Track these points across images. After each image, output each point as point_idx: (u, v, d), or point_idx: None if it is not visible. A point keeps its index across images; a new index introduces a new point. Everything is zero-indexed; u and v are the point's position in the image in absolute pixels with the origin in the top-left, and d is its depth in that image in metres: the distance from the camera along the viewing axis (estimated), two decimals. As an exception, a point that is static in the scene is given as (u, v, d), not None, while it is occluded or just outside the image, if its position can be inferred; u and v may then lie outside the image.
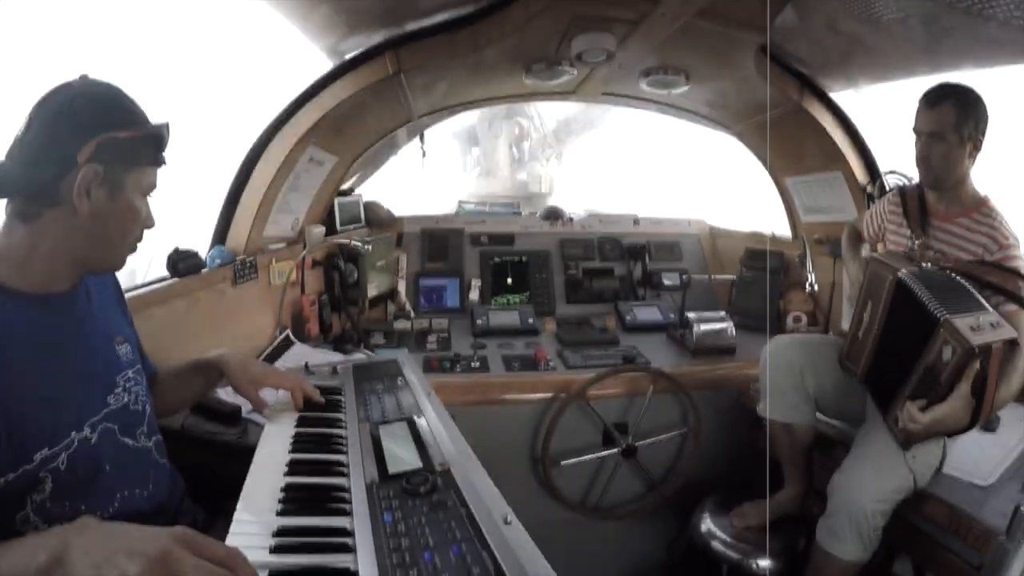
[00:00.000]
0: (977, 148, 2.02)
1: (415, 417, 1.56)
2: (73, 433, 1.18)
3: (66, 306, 1.27)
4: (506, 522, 1.06)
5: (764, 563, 2.32)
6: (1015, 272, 1.92)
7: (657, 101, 3.56)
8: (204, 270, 2.47)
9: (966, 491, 1.87)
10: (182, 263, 2.34)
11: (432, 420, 1.53)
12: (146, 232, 1.35)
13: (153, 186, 1.31)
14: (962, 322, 1.68)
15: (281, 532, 1.07)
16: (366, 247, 3.13)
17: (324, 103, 2.64)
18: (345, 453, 1.40)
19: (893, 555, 2.17)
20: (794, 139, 3.25)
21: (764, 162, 3.68)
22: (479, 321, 3.45)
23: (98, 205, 1.19)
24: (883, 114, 2.86)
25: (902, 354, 1.87)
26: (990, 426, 2.16)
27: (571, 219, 4.22)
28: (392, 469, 1.28)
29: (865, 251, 2.56)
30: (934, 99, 2.03)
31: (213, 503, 1.54)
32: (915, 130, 2.08)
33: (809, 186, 3.43)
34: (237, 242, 2.74)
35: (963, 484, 1.90)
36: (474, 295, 3.79)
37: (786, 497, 2.41)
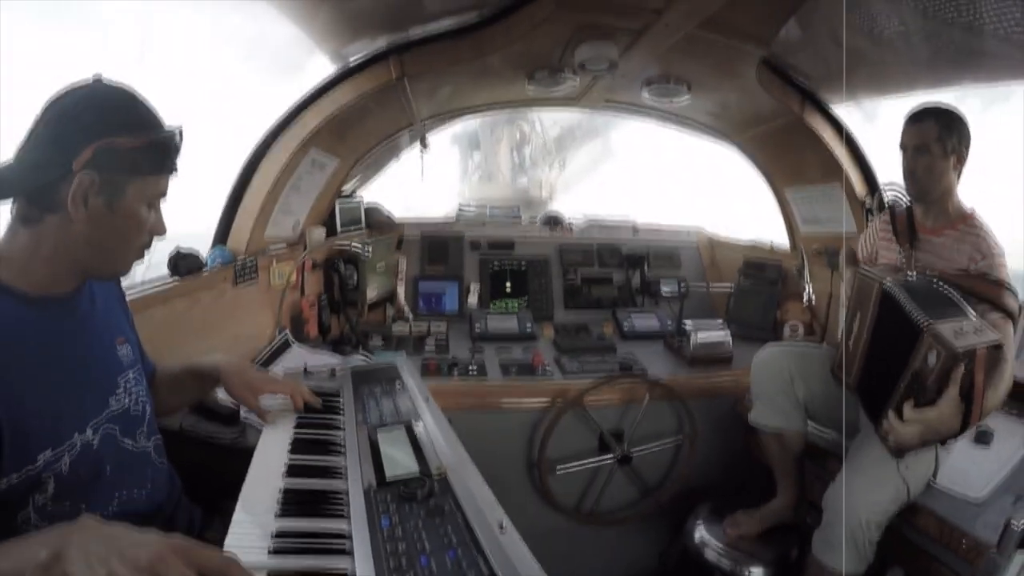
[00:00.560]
0: (961, 162, 2.06)
1: (413, 422, 1.57)
2: (76, 435, 1.18)
3: (69, 308, 1.27)
4: (501, 528, 1.06)
5: (757, 571, 2.32)
6: (999, 282, 1.94)
7: (659, 110, 3.58)
8: (205, 270, 2.48)
9: (959, 505, 1.87)
10: (183, 263, 2.35)
11: (430, 425, 1.54)
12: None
13: (161, 194, 1.28)
14: (945, 327, 1.70)
15: (280, 534, 1.08)
16: (366, 250, 3.14)
17: (327, 107, 2.65)
18: (343, 456, 1.41)
19: (886, 567, 2.18)
20: (794, 151, 3.27)
21: (764, 173, 3.70)
22: (477, 326, 3.46)
23: (96, 213, 1.16)
24: (883, 128, 2.88)
25: (890, 362, 1.88)
26: (983, 440, 2.17)
27: (571, 226, 4.24)
28: (390, 474, 1.28)
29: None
30: (918, 116, 2.08)
31: (211, 502, 1.55)
32: (901, 145, 2.13)
33: (808, 198, 3.45)
34: (238, 243, 2.75)
35: (956, 498, 1.91)
36: (473, 300, 3.80)
37: (779, 506, 2.42)
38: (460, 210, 4.61)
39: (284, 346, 2.79)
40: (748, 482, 2.71)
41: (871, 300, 2.01)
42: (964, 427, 1.71)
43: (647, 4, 2.16)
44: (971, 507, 1.86)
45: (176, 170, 1.28)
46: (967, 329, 1.71)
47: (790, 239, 3.78)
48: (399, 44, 2.51)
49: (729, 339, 3.16)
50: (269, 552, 1.03)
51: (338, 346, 3.07)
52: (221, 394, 1.68)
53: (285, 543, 1.06)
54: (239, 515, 1.13)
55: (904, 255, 2.20)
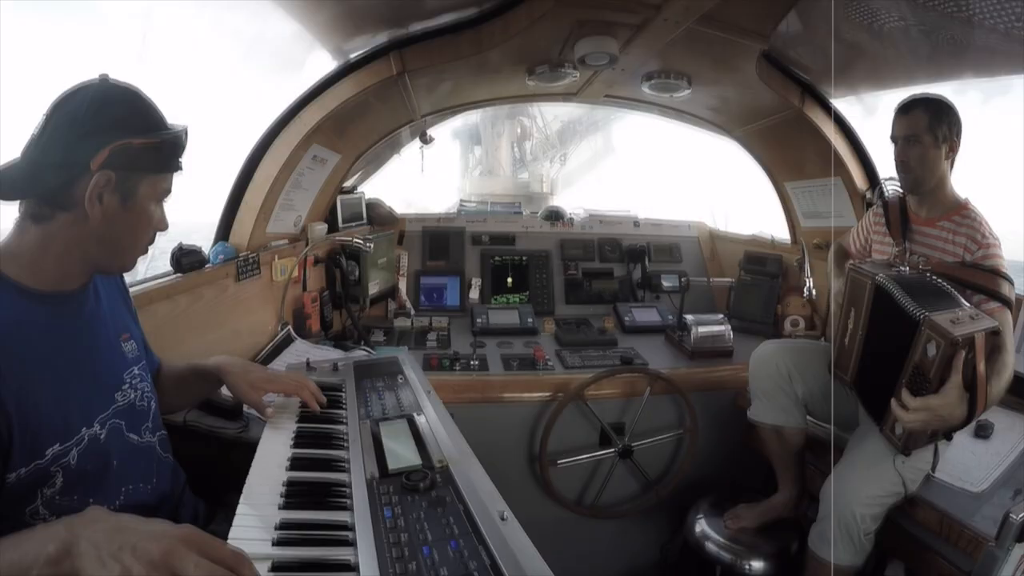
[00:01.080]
0: (953, 150, 2.07)
1: (415, 415, 1.58)
2: (83, 429, 1.19)
3: (76, 304, 1.28)
4: (503, 519, 1.08)
5: (757, 565, 2.34)
6: (995, 271, 1.95)
7: (659, 104, 3.58)
8: (207, 266, 2.48)
9: (958, 497, 1.88)
10: (185, 259, 2.36)
11: (432, 418, 1.56)
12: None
13: (168, 191, 1.31)
14: (942, 317, 1.71)
15: (283, 526, 1.09)
16: (368, 245, 3.15)
17: (328, 102, 2.66)
18: (346, 449, 1.42)
19: (885, 560, 2.19)
20: (795, 145, 3.27)
21: (764, 167, 3.70)
22: (479, 320, 3.47)
23: (110, 211, 1.19)
24: (883, 121, 2.89)
25: (888, 357, 1.89)
26: (983, 433, 2.18)
27: (572, 220, 4.25)
28: (392, 466, 1.30)
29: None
30: (907, 106, 2.09)
31: (215, 496, 1.56)
32: (892, 137, 2.13)
33: (809, 192, 3.45)
34: (240, 238, 2.76)
35: (955, 490, 1.91)
36: (474, 294, 3.82)
37: (779, 500, 2.44)
38: (461, 205, 4.62)
39: (286, 341, 2.80)
40: (749, 475, 2.72)
41: (865, 296, 2.02)
42: (971, 416, 1.72)
43: (646, -2, 2.16)
44: (971, 500, 1.86)
45: (182, 168, 1.31)
46: (963, 318, 1.72)
47: (791, 233, 3.78)
48: (400, 39, 2.52)
49: (730, 333, 3.16)
50: (273, 543, 1.04)
51: (340, 341, 3.08)
52: (225, 389, 1.68)
53: (289, 534, 1.07)
54: (243, 507, 1.14)
55: (897, 247, 2.21)
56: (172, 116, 1.29)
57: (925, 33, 2.15)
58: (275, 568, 0.98)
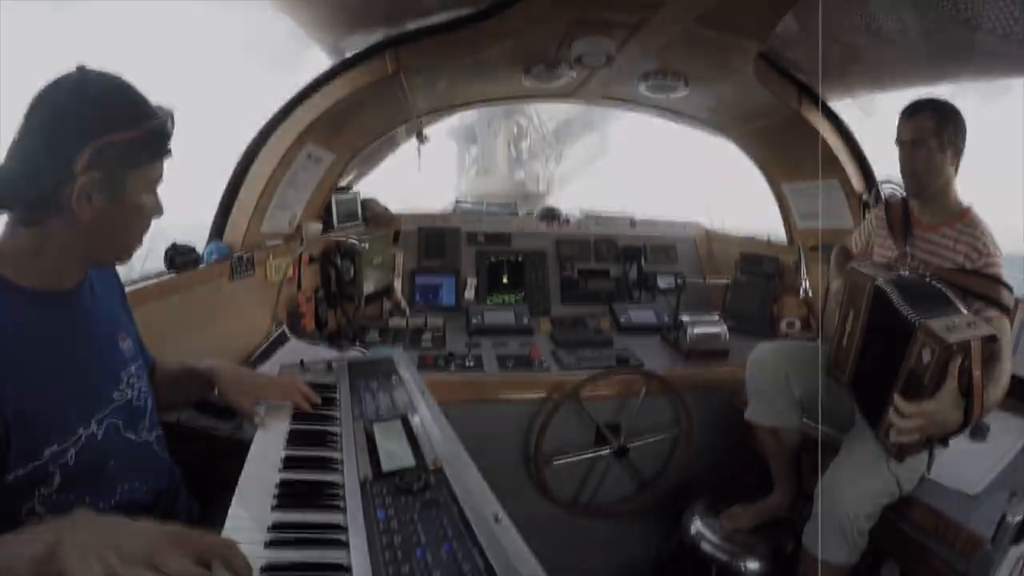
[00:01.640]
0: (958, 155, 2.05)
1: (409, 415, 1.58)
2: (81, 429, 1.19)
3: (73, 302, 1.27)
4: (497, 521, 1.07)
5: (752, 565, 2.34)
6: (995, 278, 1.94)
7: (656, 105, 3.58)
8: (201, 265, 2.47)
9: (954, 499, 1.88)
10: (179, 258, 2.35)
11: (426, 418, 1.55)
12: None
13: (159, 179, 1.28)
14: (937, 323, 1.70)
15: (276, 527, 1.08)
16: (363, 244, 3.14)
17: (323, 100, 2.65)
18: (339, 450, 1.42)
19: (881, 560, 2.19)
20: (792, 146, 3.27)
21: (761, 168, 3.70)
22: (474, 319, 3.47)
23: (100, 210, 1.15)
24: (880, 123, 2.89)
25: (884, 360, 1.89)
26: (980, 435, 2.18)
27: (567, 220, 4.24)
28: (386, 466, 1.29)
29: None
30: (913, 110, 2.08)
31: (209, 496, 1.55)
32: (897, 141, 2.12)
33: (806, 193, 3.46)
34: (234, 237, 2.75)
35: (951, 492, 1.91)
36: (470, 293, 3.81)
37: (776, 501, 2.44)
38: (457, 204, 4.61)
39: (281, 340, 2.79)
40: (744, 475, 2.72)
41: (864, 298, 2.01)
42: (967, 422, 1.71)
43: (643, -2, 2.16)
44: (967, 501, 1.87)
45: (171, 153, 1.27)
46: (959, 324, 1.71)
47: (787, 233, 3.78)
48: (395, 38, 2.51)
49: (726, 333, 3.16)
50: (265, 545, 1.03)
51: (335, 340, 3.07)
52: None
53: (281, 535, 1.06)
54: (235, 508, 1.13)
55: (898, 251, 2.20)
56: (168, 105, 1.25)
57: (923, 35, 2.15)
58: (267, 569, 0.97)
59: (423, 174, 3.96)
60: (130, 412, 1.35)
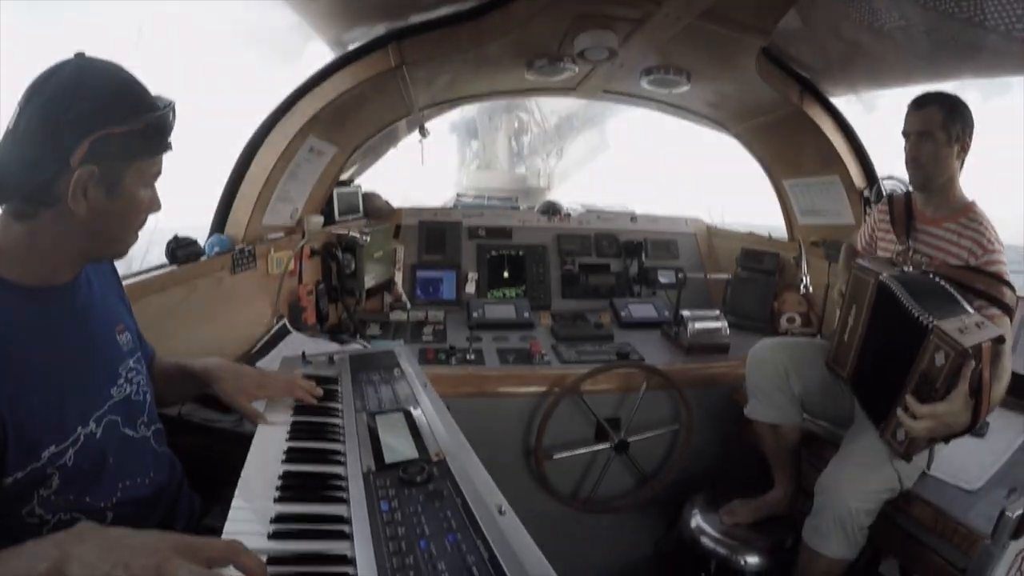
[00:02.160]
0: (964, 150, 2.06)
1: (411, 408, 1.57)
2: (79, 428, 1.17)
3: (69, 298, 1.24)
4: (500, 512, 1.07)
5: (752, 559, 2.34)
6: (997, 277, 1.95)
7: (658, 100, 3.58)
8: (203, 258, 2.47)
9: (953, 494, 1.89)
10: (181, 251, 2.35)
11: (428, 411, 1.55)
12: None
13: (158, 173, 1.25)
14: (950, 326, 1.69)
15: (279, 519, 1.08)
16: (364, 238, 3.14)
17: (326, 93, 2.64)
18: (342, 442, 1.42)
19: (880, 556, 2.20)
20: (793, 142, 3.27)
21: (763, 163, 3.71)
22: (475, 314, 3.47)
23: (96, 204, 1.13)
24: (882, 119, 2.88)
25: (888, 357, 1.89)
26: (979, 431, 2.18)
27: (568, 214, 4.24)
28: (388, 459, 1.29)
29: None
30: (922, 101, 2.08)
31: (210, 488, 1.55)
32: (904, 132, 2.12)
33: (807, 189, 3.46)
34: (236, 230, 2.75)
35: (951, 488, 1.92)
36: (470, 288, 3.82)
37: (775, 497, 2.44)
38: (458, 198, 4.62)
39: (282, 333, 2.80)
40: (744, 470, 2.73)
41: (867, 294, 2.01)
42: (975, 422, 1.71)
43: (647, -7, 2.16)
44: (966, 497, 1.87)
45: (171, 148, 1.24)
46: (970, 325, 1.71)
47: (788, 229, 3.79)
48: (398, 31, 2.50)
49: (726, 328, 3.17)
50: (269, 536, 1.04)
51: (336, 334, 3.07)
52: None
53: (285, 527, 1.06)
54: (238, 500, 1.13)
55: (901, 246, 2.20)
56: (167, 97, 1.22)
57: (925, 32, 2.15)
58: (272, 561, 0.97)
59: (424, 168, 3.97)
60: (128, 408, 1.32)
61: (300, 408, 1.59)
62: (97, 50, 1.18)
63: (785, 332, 3.39)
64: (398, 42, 2.50)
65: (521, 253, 4.00)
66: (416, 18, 2.46)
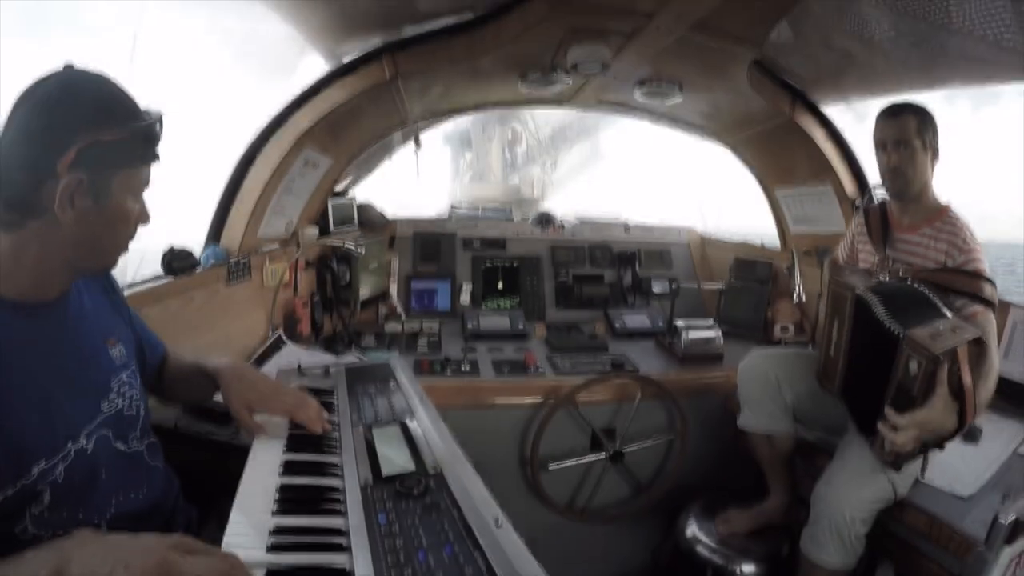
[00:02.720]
0: (936, 156, 2.10)
1: (407, 420, 1.57)
2: (69, 444, 1.15)
3: (57, 312, 1.22)
4: (498, 524, 1.08)
5: (748, 568, 2.35)
6: (977, 274, 1.97)
7: (651, 111, 3.60)
8: (198, 269, 2.47)
9: (948, 501, 1.90)
10: (176, 262, 2.35)
11: (424, 423, 1.55)
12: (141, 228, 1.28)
13: (146, 184, 1.23)
14: (921, 333, 1.71)
15: (277, 531, 1.09)
16: (359, 249, 3.15)
17: (321, 105, 2.65)
18: (339, 454, 1.42)
19: (876, 562, 2.20)
20: (785, 151, 3.29)
21: (755, 173, 3.73)
22: (470, 324, 3.47)
23: (83, 213, 1.11)
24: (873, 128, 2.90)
25: (873, 369, 1.90)
26: (972, 438, 2.20)
27: (562, 225, 4.25)
28: (386, 471, 1.29)
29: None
30: (895, 111, 2.12)
31: (207, 501, 1.53)
32: (878, 142, 2.15)
33: (799, 198, 3.48)
34: (231, 241, 2.76)
35: (945, 495, 1.93)
36: (465, 298, 3.82)
37: (771, 506, 2.45)
38: (452, 209, 4.62)
39: (277, 345, 2.80)
40: (739, 478, 2.73)
41: (846, 308, 2.03)
42: (962, 425, 1.72)
43: (639, 7, 2.17)
44: (960, 503, 1.88)
45: (159, 158, 1.23)
46: (944, 329, 1.73)
47: (781, 238, 3.81)
48: (393, 43, 2.51)
49: (720, 337, 3.18)
50: (267, 549, 1.04)
51: (331, 345, 3.08)
52: (218, 395, 1.65)
53: (283, 540, 1.07)
54: (236, 513, 1.13)
55: (878, 255, 2.23)
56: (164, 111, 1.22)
57: (915, 42, 2.17)
58: (271, 574, 0.98)
59: (418, 179, 3.97)
60: (120, 422, 1.31)
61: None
62: (88, 57, 1.18)
63: (779, 341, 3.40)
64: (393, 54, 2.51)
65: (515, 264, 4.00)
66: (410, 30, 2.48)
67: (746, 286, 3.73)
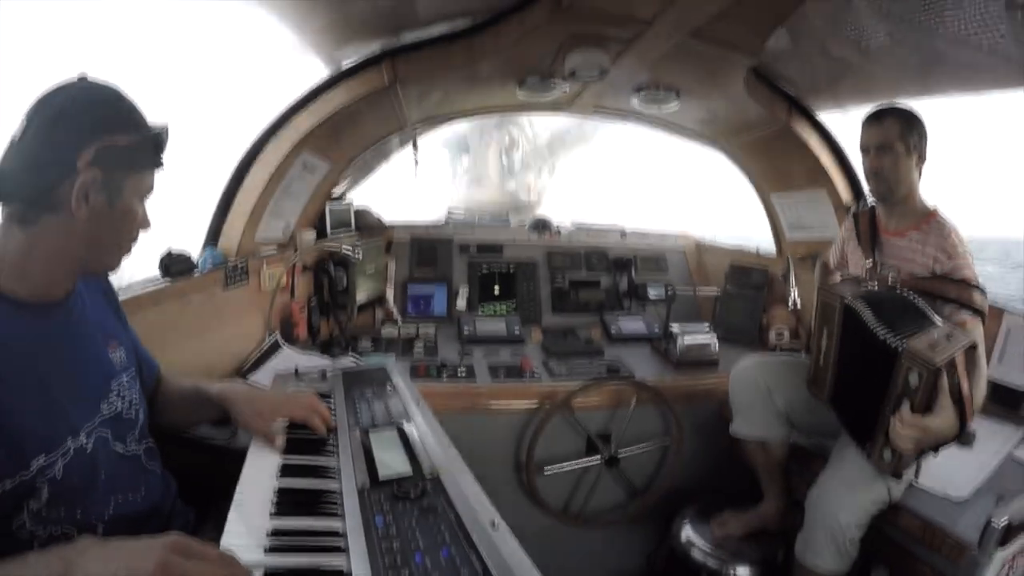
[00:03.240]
0: (922, 160, 2.11)
1: (404, 424, 1.58)
2: (69, 440, 1.17)
3: (62, 312, 1.26)
4: (493, 527, 1.09)
5: (743, 572, 2.35)
6: (967, 282, 1.98)
7: (648, 117, 3.62)
8: (196, 272, 2.48)
9: (941, 505, 1.91)
10: (174, 265, 2.35)
11: (421, 427, 1.56)
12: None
13: (151, 189, 1.30)
14: (920, 344, 1.72)
15: (275, 533, 1.09)
16: (356, 253, 3.16)
17: (320, 110, 2.67)
18: (336, 457, 1.43)
19: (870, 566, 2.21)
20: (781, 158, 3.31)
21: (751, 179, 3.74)
22: (466, 329, 3.48)
23: (96, 210, 1.17)
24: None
25: (864, 378, 1.91)
26: (966, 442, 2.21)
27: (559, 231, 4.27)
28: (383, 475, 1.30)
29: (836, 280, 2.62)
30: (878, 116, 2.14)
31: (204, 504, 1.55)
32: (863, 146, 2.17)
33: (794, 204, 3.49)
34: (229, 245, 2.76)
35: (938, 498, 1.94)
36: (461, 303, 3.82)
37: (766, 510, 2.46)
38: (449, 213, 4.63)
39: (274, 348, 2.80)
40: (734, 483, 2.74)
41: (835, 318, 2.04)
42: (963, 428, 1.73)
43: (637, 14, 2.19)
44: (953, 507, 1.89)
45: (163, 165, 1.30)
46: (939, 339, 1.74)
47: (776, 244, 3.83)
48: (392, 49, 2.53)
49: (715, 343, 3.19)
50: (265, 550, 1.05)
51: (327, 348, 3.08)
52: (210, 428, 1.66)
53: (281, 541, 1.07)
54: (234, 515, 1.14)
55: (867, 260, 2.24)
56: (168, 121, 1.28)
57: (912, 50, 2.19)
58: (269, 575, 0.99)
59: (416, 184, 3.98)
60: (118, 424, 1.33)
61: (294, 424, 1.58)
62: (89, 58, 1.22)
63: (774, 347, 3.41)
64: (392, 60, 2.52)
65: (512, 269, 4.01)
66: (410, 36, 2.49)
67: (742, 292, 3.75)
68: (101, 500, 1.26)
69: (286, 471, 1.35)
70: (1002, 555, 1.53)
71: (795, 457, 2.44)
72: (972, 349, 1.80)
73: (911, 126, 2.08)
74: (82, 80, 1.19)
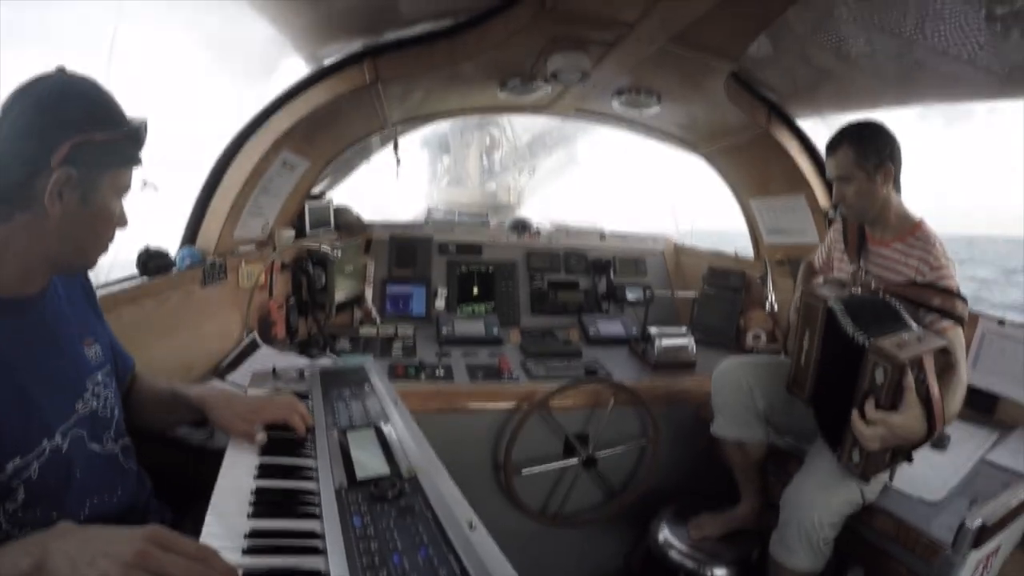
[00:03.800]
0: (889, 174, 2.10)
1: (382, 424, 1.58)
2: (45, 441, 1.16)
3: (37, 309, 1.24)
4: (471, 527, 1.09)
5: (720, 572, 2.37)
6: (947, 290, 2.00)
7: (629, 120, 3.63)
8: (174, 270, 2.46)
9: (916, 506, 1.94)
10: (152, 262, 2.33)
11: (399, 427, 1.56)
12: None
13: (128, 186, 1.27)
14: (887, 341, 1.75)
15: (253, 534, 1.09)
16: (335, 252, 3.14)
17: (300, 108, 2.65)
18: (314, 458, 1.42)
19: (845, 566, 2.23)
20: (760, 163, 3.34)
21: (730, 184, 3.77)
22: (444, 329, 3.47)
23: (71, 208, 1.14)
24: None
25: (841, 380, 1.93)
26: (940, 445, 2.24)
27: (538, 231, 4.28)
28: (360, 475, 1.30)
29: (819, 281, 2.65)
30: (833, 145, 2.15)
31: (181, 504, 1.54)
32: (827, 176, 2.21)
33: (773, 208, 3.52)
34: (207, 243, 2.74)
35: (913, 500, 1.97)
36: (440, 303, 3.82)
37: (743, 511, 2.48)
38: (429, 213, 4.63)
39: (252, 347, 2.78)
40: (711, 484, 2.76)
41: (817, 319, 2.06)
42: (931, 432, 1.75)
43: (620, 17, 2.19)
44: (928, 508, 1.92)
45: (141, 162, 1.27)
46: (910, 340, 1.76)
47: (754, 248, 3.86)
48: (374, 47, 2.52)
49: (693, 345, 3.21)
50: (243, 552, 1.04)
51: (305, 348, 3.06)
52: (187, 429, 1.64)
53: (258, 543, 1.07)
54: (211, 516, 1.13)
55: (853, 267, 2.27)
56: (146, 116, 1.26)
57: (891, 58, 2.21)
58: (246, 576, 0.98)
59: (395, 182, 3.98)
60: (94, 422, 1.32)
61: (272, 424, 1.56)
62: (70, 53, 1.20)
63: (751, 349, 3.44)
64: (373, 58, 2.51)
65: (491, 269, 4.01)
66: (392, 35, 2.48)
67: (719, 294, 3.77)
68: (77, 500, 1.25)
69: (264, 471, 1.35)
70: (976, 556, 1.56)
71: (772, 459, 2.46)
72: (945, 353, 1.82)
73: (867, 149, 2.08)
74: (59, 73, 1.17)
